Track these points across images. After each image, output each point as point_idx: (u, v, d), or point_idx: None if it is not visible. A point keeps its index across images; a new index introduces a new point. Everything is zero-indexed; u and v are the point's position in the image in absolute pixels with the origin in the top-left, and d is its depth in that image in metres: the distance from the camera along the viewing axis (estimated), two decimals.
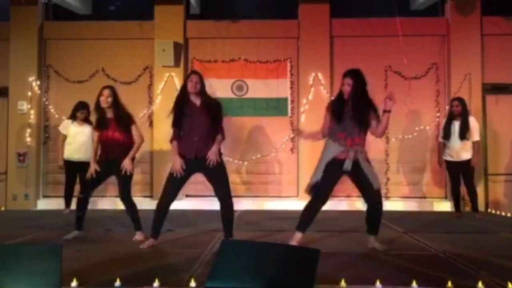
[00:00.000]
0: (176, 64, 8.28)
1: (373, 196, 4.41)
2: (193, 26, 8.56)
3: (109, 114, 5.00)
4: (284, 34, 8.52)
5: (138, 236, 5.00)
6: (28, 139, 8.29)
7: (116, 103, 5.00)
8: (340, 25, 8.44)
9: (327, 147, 4.50)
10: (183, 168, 4.55)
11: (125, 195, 5.04)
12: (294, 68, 8.46)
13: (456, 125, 6.75)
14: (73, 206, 6.55)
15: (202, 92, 4.66)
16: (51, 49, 8.67)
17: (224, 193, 4.63)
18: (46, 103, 8.55)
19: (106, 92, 4.97)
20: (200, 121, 4.57)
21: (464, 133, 6.64)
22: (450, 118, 6.87)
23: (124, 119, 5.01)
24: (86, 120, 7.07)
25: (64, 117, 8.27)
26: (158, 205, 4.68)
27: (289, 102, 8.43)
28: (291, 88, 8.45)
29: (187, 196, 8.32)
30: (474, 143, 6.75)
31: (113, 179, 5.14)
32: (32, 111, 8.33)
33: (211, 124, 4.59)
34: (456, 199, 7.08)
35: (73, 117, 7.07)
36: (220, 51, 8.49)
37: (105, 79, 8.39)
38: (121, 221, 5.98)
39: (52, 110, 8.50)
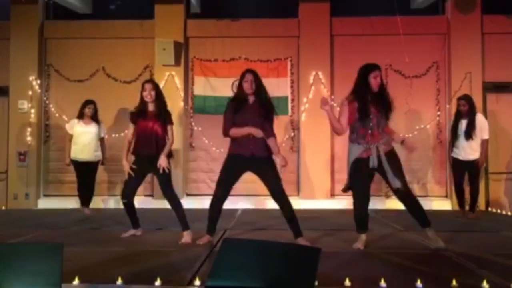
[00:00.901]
0: (177, 63, 8.26)
1: (398, 192, 4.43)
2: (194, 25, 8.55)
3: (151, 107, 5.02)
4: (285, 33, 8.50)
5: (186, 237, 4.85)
6: (29, 138, 8.28)
7: (159, 97, 5.04)
8: (340, 24, 8.43)
9: (349, 149, 4.52)
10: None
11: (167, 192, 5.00)
12: (294, 67, 8.45)
13: (463, 124, 6.63)
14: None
15: (258, 91, 4.80)
16: (51, 48, 8.66)
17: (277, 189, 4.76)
18: (47, 102, 8.54)
19: (149, 86, 5.01)
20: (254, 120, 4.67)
21: (470, 132, 6.53)
22: (458, 117, 6.77)
23: (165, 114, 5.02)
24: (93, 118, 7.01)
25: (65, 116, 8.30)
26: (212, 201, 4.78)
27: (289, 101, 8.41)
28: (292, 87, 8.43)
29: (188, 195, 8.33)
30: (482, 141, 6.62)
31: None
32: (32, 110, 8.32)
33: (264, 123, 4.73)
34: (460, 197, 7.00)
35: (80, 115, 6.96)
36: (221, 50, 8.48)
37: (106, 78, 8.40)
38: (122, 220, 5.96)
39: (53, 109, 8.49)
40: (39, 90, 8.42)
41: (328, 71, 8.29)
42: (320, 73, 8.25)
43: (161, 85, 8.21)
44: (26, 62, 8.36)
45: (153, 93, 4.97)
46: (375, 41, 8.32)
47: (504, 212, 7.39)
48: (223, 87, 8.24)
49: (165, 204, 7.88)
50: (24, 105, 8.31)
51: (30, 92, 8.32)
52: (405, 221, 5.66)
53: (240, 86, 4.78)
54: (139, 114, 4.99)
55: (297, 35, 8.43)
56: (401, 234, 5.27)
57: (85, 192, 7.02)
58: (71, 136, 6.96)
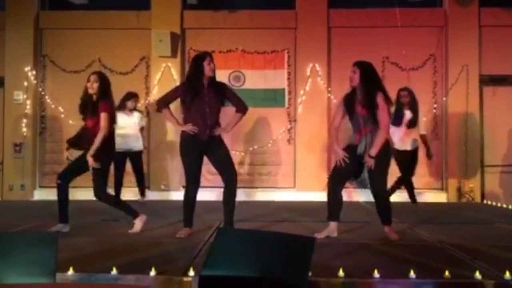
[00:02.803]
0: (173, 54, 8.23)
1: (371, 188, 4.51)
2: (190, 16, 8.51)
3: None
4: (282, 25, 8.48)
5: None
6: (24, 130, 8.25)
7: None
8: (338, 16, 8.41)
9: None
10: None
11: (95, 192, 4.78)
12: (291, 59, 8.43)
13: (407, 115, 6.52)
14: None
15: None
16: (47, 39, 8.61)
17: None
18: (42, 93, 8.50)
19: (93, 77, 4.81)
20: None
21: (415, 121, 6.49)
22: (400, 108, 6.58)
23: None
24: (134, 110, 7.06)
25: (61, 107, 8.28)
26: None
27: (286, 93, 8.40)
28: (289, 79, 8.42)
29: (184, 186, 8.32)
30: (422, 136, 6.70)
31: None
32: (28, 101, 8.29)
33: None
34: (410, 188, 6.92)
35: (122, 106, 6.91)
36: (217, 42, 8.44)
37: (102, 69, 8.30)
38: (115, 211, 5.96)
39: (48, 100, 8.46)
40: (35, 81, 8.39)
41: (325, 63, 8.28)
42: (317, 65, 8.24)
43: (157, 77, 8.27)
44: (22, 53, 8.31)
45: (95, 84, 4.75)
46: (373, 33, 8.31)
47: (499, 204, 7.42)
48: (219, 79, 8.14)
49: (161, 196, 7.94)
50: (20, 96, 8.28)
51: (25, 83, 8.28)
52: (399, 214, 5.68)
53: (200, 67, 4.60)
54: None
55: (294, 26, 8.41)
56: (396, 226, 5.28)
57: (137, 183, 7.23)
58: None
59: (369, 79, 4.44)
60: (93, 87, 4.73)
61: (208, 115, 4.58)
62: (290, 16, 8.44)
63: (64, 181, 4.82)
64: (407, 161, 6.59)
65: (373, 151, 4.34)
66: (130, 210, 4.90)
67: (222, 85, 4.84)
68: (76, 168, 4.87)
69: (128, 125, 6.89)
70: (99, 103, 4.72)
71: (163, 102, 4.75)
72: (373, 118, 4.38)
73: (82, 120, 4.95)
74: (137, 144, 7.04)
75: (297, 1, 8.42)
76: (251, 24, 8.45)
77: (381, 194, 4.54)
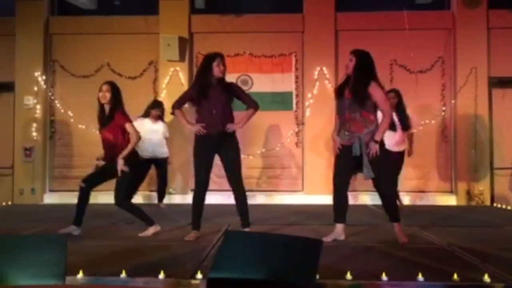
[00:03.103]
0: (181, 58, 8.28)
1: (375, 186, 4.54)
2: (198, 20, 8.55)
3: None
4: (289, 28, 8.49)
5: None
6: (34, 134, 8.33)
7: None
8: (345, 19, 8.41)
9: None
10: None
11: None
12: (299, 62, 8.44)
13: (395, 117, 6.41)
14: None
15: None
16: (56, 44, 8.70)
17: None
18: (52, 97, 8.58)
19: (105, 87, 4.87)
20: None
21: (406, 123, 6.48)
22: None
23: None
24: (159, 118, 7.16)
25: (70, 111, 8.36)
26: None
27: (294, 96, 8.41)
28: (296, 82, 8.43)
29: (192, 190, 8.34)
30: (409, 134, 6.72)
31: None
32: (38, 106, 8.37)
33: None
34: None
35: (147, 114, 7.08)
36: (225, 46, 8.45)
37: (110, 73, 8.41)
38: (125, 215, 5.99)
39: (58, 104, 8.54)
40: (45, 86, 8.47)
41: (332, 66, 8.28)
42: (324, 69, 8.24)
43: (165, 81, 8.32)
44: (32, 58, 8.40)
45: (108, 94, 4.81)
46: (380, 36, 8.29)
47: (509, 207, 7.37)
48: None
49: (170, 199, 7.97)
50: (30, 101, 8.36)
51: (35, 88, 8.36)
52: (409, 216, 5.66)
53: (209, 68, 4.67)
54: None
55: (302, 30, 8.42)
56: (405, 229, 5.25)
57: (158, 188, 7.38)
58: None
59: (364, 68, 4.47)
60: (106, 96, 4.80)
61: (216, 113, 4.62)
62: (297, 19, 8.46)
63: (88, 185, 4.89)
64: (397, 161, 6.57)
65: (378, 136, 4.35)
66: (146, 217, 4.93)
67: (230, 84, 4.89)
68: (102, 175, 4.95)
69: (153, 132, 6.97)
70: (115, 115, 4.80)
71: (176, 104, 4.82)
72: (357, 104, 4.39)
73: (99, 131, 4.96)
74: (163, 151, 7.15)
75: (305, 4, 8.44)
76: (258, 28, 8.48)
77: (386, 190, 4.51)
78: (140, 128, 6.88)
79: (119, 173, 4.71)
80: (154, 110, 7.10)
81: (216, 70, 4.65)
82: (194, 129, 4.65)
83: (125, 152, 4.72)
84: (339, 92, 4.59)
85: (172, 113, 4.91)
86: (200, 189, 4.71)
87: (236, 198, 4.78)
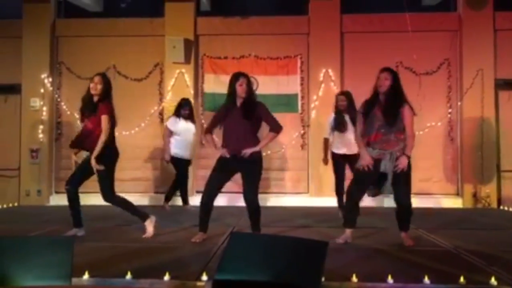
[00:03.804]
0: (187, 60, 8.29)
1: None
2: (203, 22, 8.57)
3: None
4: (294, 30, 8.49)
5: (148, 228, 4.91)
6: (41, 136, 8.37)
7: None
8: (350, 21, 8.40)
9: None
10: None
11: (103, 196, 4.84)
12: (304, 64, 8.43)
13: (347, 119, 6.33)
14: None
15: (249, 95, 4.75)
16: (63, 46, 8.74)
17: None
18: (58, 99, 8.62)
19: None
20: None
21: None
22: (339, 112, 6.39)
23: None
24: (189, 117, 7.13)
25: (76, 113, 8.36)
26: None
27: (299, 98, 8.40)
28: (301, 84, 8.42)
29: (197, 192, 8.35)
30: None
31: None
32: (44, 108, 8.41)
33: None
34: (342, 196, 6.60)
35: (177, 114, 7.03)
36: (230, 48, 8.49)
37: (116, 76, 8.44)
38: (130, 217, 6.01)
39: (64, 106, 8.58)
40: (51, 88, 8.51)
41: (338, 68, 8.26)
42: (330, 71, 8.23)
43: (171, 83, 8.33)
44: (38, 60, 8.44)
45: (99, 86, 4.77)
46: (386, 38, 8.28)
47: None
48: None
49: (176, 202, 7.98)
50: (36, 102, 8.41)
51: (42, 90, 8.40)
52: (415, 220, 5.63)
53: (233, 88, 4.68)
54: None
55: (307, 32, 8.42)
56: (411, 232, 5.24)
57: (177, 189, 7.29)
58: (171, 133, 6.99)
59: (399, 89, 4.49)
60: (97, 88, 4.76)
61: (236, 134, 4.61)
62: (302, 21, 8.45)
63: (72, 186, 4.86)
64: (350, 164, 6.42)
65: (409, 152, 4.39)
66: (139, 212, 4.93)
67: (256, 104, 4.77)
68: (82, 173, 4.88)
69: (186, 131, 6.94)
70: (99, 104, 4.75)
71: (208, 128, 4.86)
72: (390, 126, 4.40)
73: (80, 121, 4.97)
74: (192, 152, 7.14)
75: (310, 6, 8.43)
76: (263, 30, 8.48)
77: (407, 202, 4.51)
78: (174, 127, 6.92)
79: (95, 172, 4.70)
80: (183, 109, 7.05)
81: (240, 90, 4.64)
82: (221, 153, 4.67)
83: (96, 151, 4.65)
84: (367, 110, 4.52)
85: (204, 138, 4.97)
86: (207, 196, 4.69)
87: (248, 212, 4.74)
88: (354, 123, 6.25)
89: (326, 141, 6.60)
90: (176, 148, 6.99)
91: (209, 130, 4.85)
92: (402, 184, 4.41)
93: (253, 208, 4.66)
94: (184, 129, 6.94)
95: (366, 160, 4.44)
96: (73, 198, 4.88)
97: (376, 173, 4.45)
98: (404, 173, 4.38)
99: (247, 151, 4.58)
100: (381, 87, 4.46)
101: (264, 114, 4.76)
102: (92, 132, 4.74)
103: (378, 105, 4.48)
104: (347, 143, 6.22)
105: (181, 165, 7.06)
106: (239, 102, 4.66)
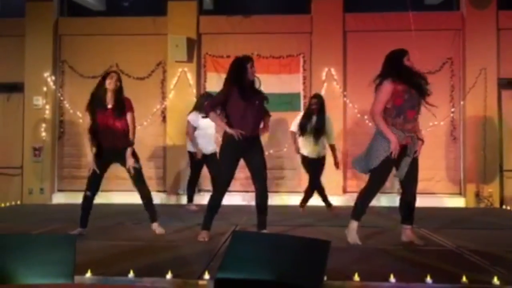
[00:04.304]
0: (189, 59, 8.30)
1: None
2: (206, 21, 8.57)
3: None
4: (297, 29, 8.49)
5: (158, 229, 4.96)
6: (43, 134, 8.39)
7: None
8: (353, 20, 8.39)
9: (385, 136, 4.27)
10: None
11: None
12: (307, 63, 8.42)
13: (313, 122, 6.39)
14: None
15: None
16: (66, 45, 8.75)
17: None
18: (61, 98, 8.64)
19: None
20: None
21: (321, 130, 6.33)
22: (308, 115, 6.48)
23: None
24: None
25: (79, 112, 8.39)
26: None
27: (301, 97, 8.39)
28: (304, 83, 8.42)
29: (199, 191, 8.36)
30: (332, 146, 6.54)
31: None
32: (47, 106, 8.43)
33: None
34: (309, 196, 6.76)
35: (199, 108, 6.82)
36: (233, 47, 8.48)
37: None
38: (133, 215, 6.02)
39: (67, 105, 8.59)
40: (54, 86, 8.52)
41: (340, 67, 8.26)
42: (332, 70, 8.22)
43: (173, 81, 8.34)
44: (41, 59, 8.46)
45: (118, 83, 4.85)
46: (389, 37, 8.23)
47: None
48: None
49: (178, 200, 8.00)
50: (39, 101, 8.42)
51: (44, 88, 8.42)
52: (418, 219, 5.62)
53: (244, 70, 4.66)
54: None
55: (310, 31, 8.41)
56: (414, 231, 5.24)
57: (196, 187, 7.23)
58: (194, 129, 6.89)
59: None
60: (117, 84, 4.82)
61: (251, 116, 4.62)
62: (305, 20, 8.44)
63: (93, 192, 4.90)
64: (315, 167, 6.52)
65: (422, 137, 4.43)
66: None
67: (258, 89, 4.85)
68: (102, 174, 4.89)
69: (207, 126, 6.79)
70: (126, 103, 4.86)
71: (210, 106, 4.74)
72: (419, 106, 4.44)
73: (91, 116, 4.80)
74: (214, 147, 6.96)
75: (313, 5, 8.42)
76: (266, 29, 8.48)
77: (416, 191, 4.49)
78: (196, 123, 6.86)
79: (131, 168, 4.77)
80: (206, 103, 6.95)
81: (250, 72, 4.67)
82: (234, 132, 4.53)
83: (132, 148, 4.77)
84: (413, 86, 4.36)
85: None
86: (221, 193, 4.68)
87: (258, 197, 4.73)
88: (320, 127, 6.33)
89: (292, 134, 6.72)
90: (201, 143, 6.87)
91: (212, 109, 4.72)
92: (416, 170, 4.38)
93: (265, 190, 4.71)
94: (208, 124, 6.81)
95: (396, 143, 4.20)
96: (90, 203, 4.93)
97: (396, 161, 4.31)
98: (416, 159, 4.37)
99: (263, 131, 4.76)
100: (412, 64, 4.46)
101: (264, 99, 4.89)
102: (123, 130, 4.81)
103: (416, 84, 4.38)
104: (309, 145, 6.38)
105: (203, 160, 6.91)
106: (249, 85, 4.69)
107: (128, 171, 4.84)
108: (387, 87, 4.30)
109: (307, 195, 6.74)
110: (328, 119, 6.50)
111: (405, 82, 4.32)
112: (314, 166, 6.53)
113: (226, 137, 4.66)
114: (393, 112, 4.30)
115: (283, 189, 8.41)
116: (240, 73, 4.67)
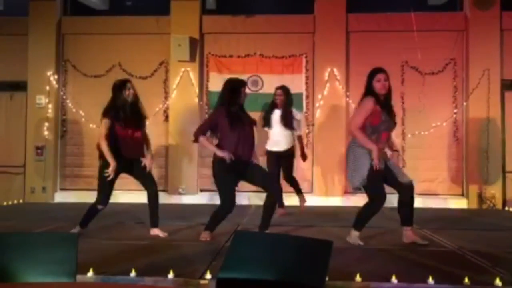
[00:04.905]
0: (192, 59, 8.30)
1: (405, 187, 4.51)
2: (209, 21, 8.57)
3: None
4: (300, 29, 8.48)
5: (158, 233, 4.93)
6: (46, 133, 8.40)
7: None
8: (356, 20, 8.37)
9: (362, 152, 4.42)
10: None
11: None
12: (309, 63, 8.42)
13: (276, 115, 6.35)
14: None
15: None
16: (69, 44, 8.77)
17: None
18: (64, 97, 8.65)
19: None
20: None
21: (286, 122, 6.25)
22: (272, 107, 6.45)
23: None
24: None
25: (82, 111, 8.41)
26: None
27: (304, 97, 8.38)
28: (306, 83, 8.41)
29: (201, 190, 8.36)
30: (299, 136, 6.49)
31: None
32: (50, 105, 8.44)
33: None
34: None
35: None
36: (236, 46, 8.49)
37: (122, 73, 8.45)
38: (135, 214, 6.03)
39: (70, 104, 8.60)
40: (56, 85, 8.54)
41: (343, 67, 8.24)
42: (335, 70, 8.21)
43: (176, 81, 8.35)
44: (44, 58, 8.47)
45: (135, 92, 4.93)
46: (391, 38, 8.25)
47: None
48: None
49: (179, 199, 8.00)
50: (42, 100, 8.44)
51: (47, 87, 8.43)
52: (420, 220, 5.62)
53: (238, 94, 4.66)
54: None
55: (313, 31, 8.40)
56: (416, 232, 5.23)
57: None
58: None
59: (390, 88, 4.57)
60: (135, 94, 4.90)
61: (244, 140, 4.64)
62: (308, 20, 8.44)
63: (105, 206, 4.89)
64: (285, 161, 6.44)
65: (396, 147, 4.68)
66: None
67: (247, 113, 4.87)
68: (112, 183, 4.85)
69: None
70: (143, 113, 4.98)
71: (200, 131, 4.70)
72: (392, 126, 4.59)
73: (124, 131, 4.81)
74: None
75: (316, 5, 8.41)
76: (269, 29, 8.47)
77: (413, 194, 4.51)
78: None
79: (146, 171, 4.84)
80: None
81: (244, 96, 4.70)
82: (225, 156, 4.52)
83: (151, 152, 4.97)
84: (386, 110, 4.47)
85: (195, 141, 4.76)
86: (227, 212, 4.65)
87: (268, 196, 4.73)
88: (286, 120, 6.27)
89: (299, 137, 6.62)
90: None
91: (202, 133, 4.69)
92: (405, 174, 4.52)
93: (278, 189, 4.83)
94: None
95: (377, 151, 4.29)
96: (97, 213, 4.91)
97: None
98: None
99: (256, 158, 4.86)
100: (383, 89, 4.42)
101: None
102: (141, 140, 4.90)
103: (386, 107, 4.46)
104: (275, 139, 6.34)
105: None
106: (240, 108, 4.72)
107: (143, 169, 4.84)
108: (370, 104, 4.39)
109: (295, 187, 6.63)
110: (296, 112, 6.46)
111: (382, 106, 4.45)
112: (284, 160, 6.41)
113: (218, 161, 4.62)
114: (369, 130, 4.41)
115: (284, 189, 8.35)
116: (233, 97, 4.66)
